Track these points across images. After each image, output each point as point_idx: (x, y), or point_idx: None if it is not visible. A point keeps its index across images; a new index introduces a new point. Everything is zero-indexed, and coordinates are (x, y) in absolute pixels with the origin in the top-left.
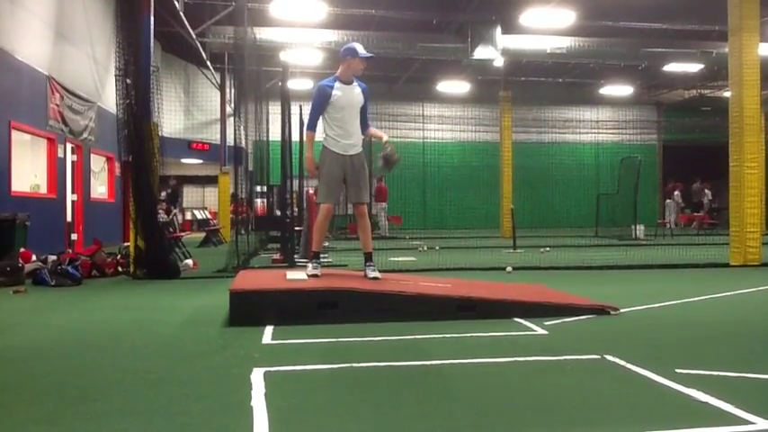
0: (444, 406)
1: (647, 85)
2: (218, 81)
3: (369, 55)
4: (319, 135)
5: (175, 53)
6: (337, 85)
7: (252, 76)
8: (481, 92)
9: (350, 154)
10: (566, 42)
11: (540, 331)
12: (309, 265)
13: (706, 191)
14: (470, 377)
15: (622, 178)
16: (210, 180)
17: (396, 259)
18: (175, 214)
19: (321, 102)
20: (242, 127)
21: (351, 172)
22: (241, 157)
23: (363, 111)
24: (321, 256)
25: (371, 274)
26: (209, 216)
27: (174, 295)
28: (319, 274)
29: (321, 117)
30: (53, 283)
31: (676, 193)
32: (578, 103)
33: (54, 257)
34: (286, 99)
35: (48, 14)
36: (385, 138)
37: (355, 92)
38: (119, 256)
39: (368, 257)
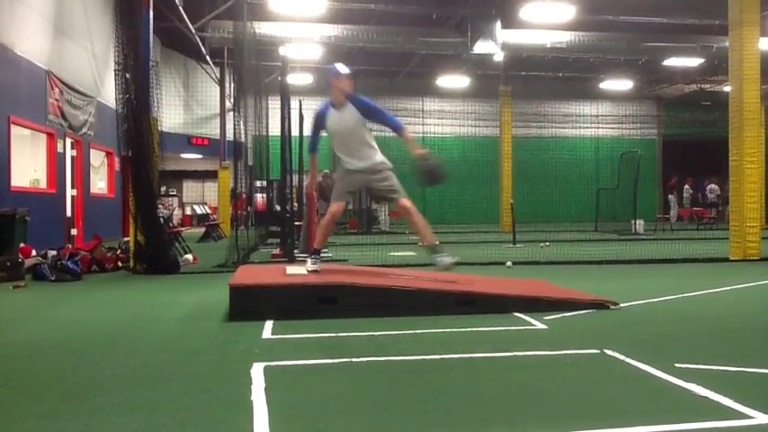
0: (444, 400)
1: (647, 79)
2: (218, 76)
3: (347, 71)
4: None
5: (175, 48)
6: (330, 111)
7: (251, 71)
8: (481, 86)
9: (357, 169)
10: (566, 37)
11: (540, 326)
12: (309, 260)
13: None
14: (470, 372)
15: (622, 173)
16: (210, 175)
17: (395, 254)
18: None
19: (314, 125)
20: (241, 122)
21: (365, 182)
22: (241, 151)
23: (377, 118)
24: (321, 251)
25: (442, 261)
26: (208, 211)
27: (174, 290)
28: (319, 269)
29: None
30: (53, 279)
31: (686, 186)
32: (578, 97)
33: (54, 252)
34: (285, 94)
35: (47, 9)
36: (418, 151)
37: (348, 115)
38: (118, 251)
39: (431, 250)
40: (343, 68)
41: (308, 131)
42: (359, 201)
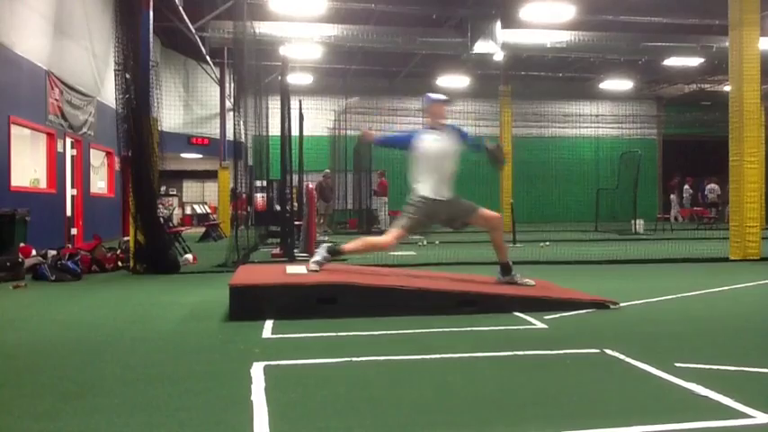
0: (444, 400)
1: (647, 79)
2: (218, 76)
3: (444, 98)
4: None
5: (175, 48)
6: (429, 133)
7: (251, 71)
8: (481, 86)
9: (445, 199)
10: (566, 37)
11: (540, 325)
12: (317, 253)
13: None
14: (470, 371)
15: (622, 173)
16: (210, 175)
17: (395, 254)
18: None
19: (403, 138)
20: (241, 122)
21: (447, 211)
22: (241, 151)
23: (465, 143)
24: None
25: (527, 282)
26: (208, 211)
27: (174, 290)
28: (319, 269)
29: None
30: (53, 279)
31: (686, 186)
32: (578, 97)
33: (54, 252)
34: (285, 94)
35: (47, 9)
36: (489, 144)
37: (447, 140)
38: (118, 251)
39: (507, 269)
40: (437, 96)
41: (307, 131)
42: (359, 200)
